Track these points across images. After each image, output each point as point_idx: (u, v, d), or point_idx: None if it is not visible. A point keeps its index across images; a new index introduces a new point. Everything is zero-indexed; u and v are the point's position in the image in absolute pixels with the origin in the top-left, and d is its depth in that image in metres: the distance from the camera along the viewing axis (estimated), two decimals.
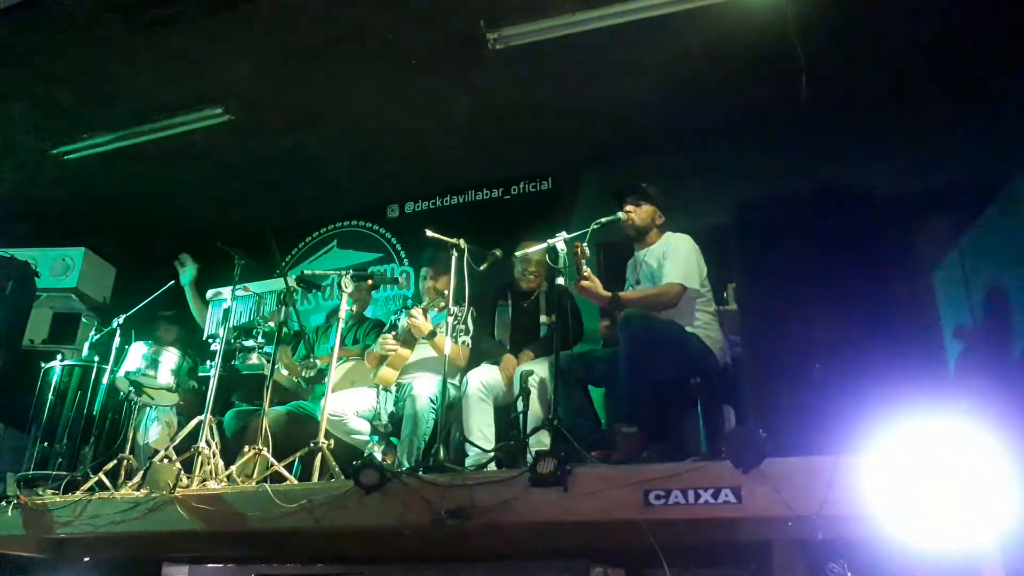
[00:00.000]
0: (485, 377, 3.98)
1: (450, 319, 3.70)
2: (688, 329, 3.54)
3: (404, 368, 4.21)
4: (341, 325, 3.96)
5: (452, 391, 3.92)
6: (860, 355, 2.96)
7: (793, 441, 2.63)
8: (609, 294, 3.62)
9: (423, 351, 4.24)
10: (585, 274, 3.57)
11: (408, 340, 4.18)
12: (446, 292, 3.81)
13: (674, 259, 3.64)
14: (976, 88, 4.52)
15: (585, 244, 3.54)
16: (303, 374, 4.48)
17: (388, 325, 4.54)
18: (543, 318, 4.27)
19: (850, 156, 4.63)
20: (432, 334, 4.10)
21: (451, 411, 3.82)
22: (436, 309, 4.14)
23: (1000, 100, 4.36)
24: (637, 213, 3.81)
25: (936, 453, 2.33)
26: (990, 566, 2.23)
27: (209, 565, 4.60)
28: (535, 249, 3.72)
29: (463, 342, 4.18)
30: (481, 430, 3.80)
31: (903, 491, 2.32)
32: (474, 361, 4.22)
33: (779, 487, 2.47)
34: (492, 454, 3.53)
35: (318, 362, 4.46)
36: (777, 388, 3.03)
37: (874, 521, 2.33)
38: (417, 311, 4.12)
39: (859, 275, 3.15)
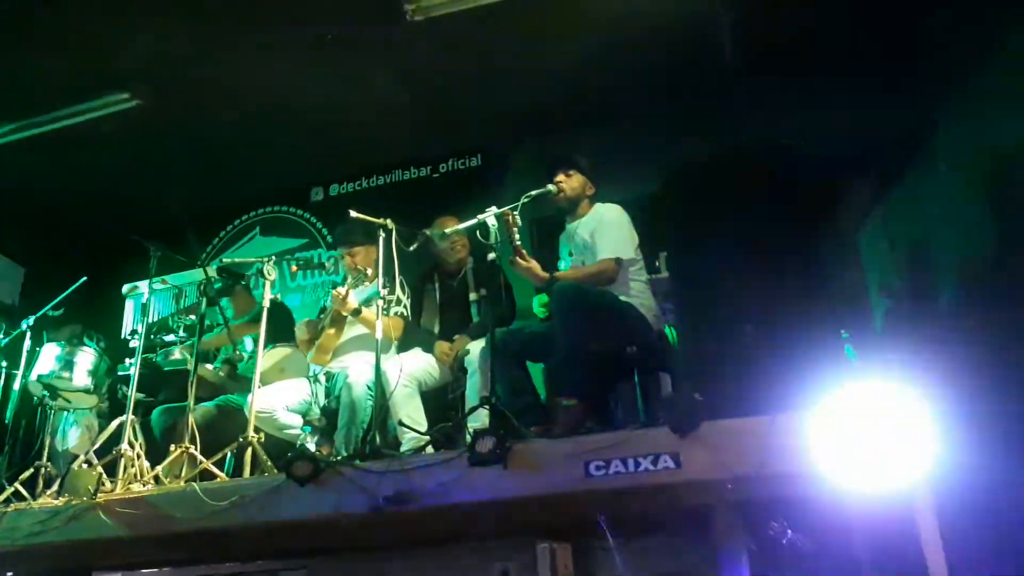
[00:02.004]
0: (407, 365, 3.86)
1: (383, 295, 3.60)
2: (623, 298, 3.52)
3: (335, 350, 4.09)
4: (264, 317, 3.79)
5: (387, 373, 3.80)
6: (790, 315, 3.00)
7: (729, 403, 2.65)
8: (547, 275, 3.57)
9: (353, 330, 4.12)
10: (521, 250, 3.49)
11: (337, 320, 4.05)
12: (369, 271, 3.69)
13: (606, 233, 3.61)
14: (897, 42, 4.57)
15: (516, 214, 3.47)
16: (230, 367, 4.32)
17: (319, 309, 4.40)
18: (472, 295, 4.18)
19: (774, 118, 4.65)
20: (357, 311, 3.97)
21: (386, 396, 3.71)
22: (363, 285, 4.01)
23: (920, 55, 4.41)
24: (568, 183, 3.76)
25: (866, 406, 2.37)
26: (922, 514, 2.28)
27: (143, 571, 4.41)
28: (464, 226, 3.62)
29: (397, 312, 4.05)
30: (411, 416, 3.70)
31: (837, 445, 2.34)
32: (405, 345, 4.12)
33: (717, 449, 2.47)
34: (428, 437, 3.45)
35: (244, 354, 4.30)
36: (711, 352, 3.05)
37: (811, 477, 2.35)
38: (340, 288, 3.98)
39: (786, 235, 3.18)
